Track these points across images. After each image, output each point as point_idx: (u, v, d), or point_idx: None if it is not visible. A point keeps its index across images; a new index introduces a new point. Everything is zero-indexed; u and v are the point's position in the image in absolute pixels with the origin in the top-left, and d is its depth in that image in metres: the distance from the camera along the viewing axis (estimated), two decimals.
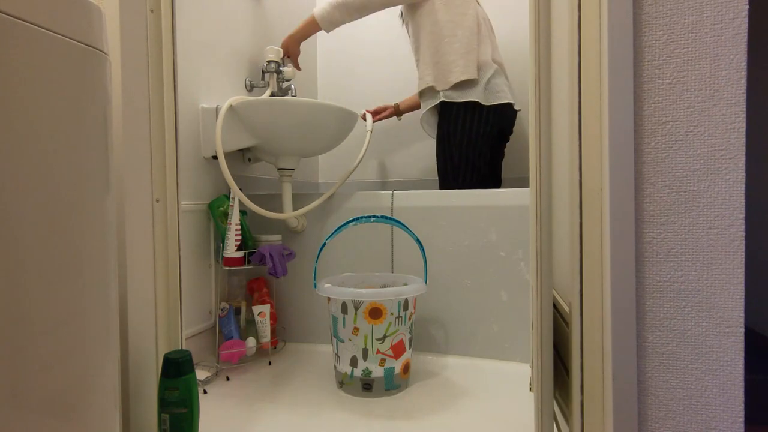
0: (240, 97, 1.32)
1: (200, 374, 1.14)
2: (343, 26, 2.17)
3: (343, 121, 1.43)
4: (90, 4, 0.58)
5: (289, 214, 1.38)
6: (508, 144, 1.94)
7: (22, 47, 0.48)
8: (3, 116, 0.46)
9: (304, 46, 2.06)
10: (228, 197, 1.29)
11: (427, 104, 1.61)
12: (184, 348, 0.90)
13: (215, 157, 1.36)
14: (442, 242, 1.36)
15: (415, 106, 1.90)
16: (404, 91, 2.08)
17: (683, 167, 0.55)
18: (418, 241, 1.21)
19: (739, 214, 0.54)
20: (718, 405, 0.55)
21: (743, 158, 0.54)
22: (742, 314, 0.54)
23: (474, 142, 1.54)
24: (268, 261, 1.29)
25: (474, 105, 1.53)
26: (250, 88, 1.58)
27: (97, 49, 0.58)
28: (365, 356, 1.10)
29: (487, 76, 1.55)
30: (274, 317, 1.36)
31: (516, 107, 1.63)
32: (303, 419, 0.98)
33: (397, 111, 1.93)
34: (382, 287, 1.28)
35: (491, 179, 1.62)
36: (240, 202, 1.26)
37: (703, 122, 0.55)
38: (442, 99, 1.55)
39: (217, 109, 1.33)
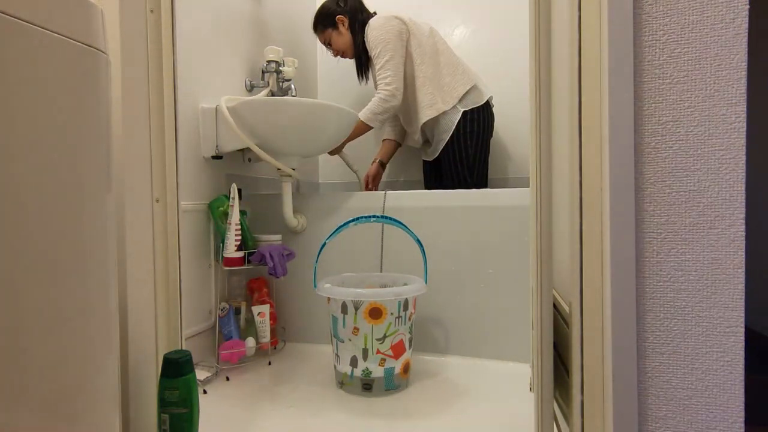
0: (231, 96, 1.33)
1: (200, 374, 1.14)
2: None
3: (343, 120, 1.43)
4: (90, 4, 0.58)
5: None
6: (509, 144, 1.97)
7: (22, 47, 0.48)
8: (3, 116, 0.46)
9: (303, 45, 2.06)
10: (228, 197, 1.29)
11: (445, 128, 1.71)
12: (184, 348, 0.90)
13: (215, 157, 1.36)
14: (442, 242, 1.36)
15: (393, 152, 1.99)
16: None
17: (683, 167, 0.55)
18: (418, 241, 1.21)
19: (739, 214, 0.54)
20: (718, 405, 0.55)
21: (743, 158, 0.54)
22: (742, 314, 0.54)
23: (483, 141, 1.72)
24: (268, 261, 1.29)
25: (479, 108, 1.69)
26: (250, 88, 1.58)
27: (97, 49, 0.58)
28: (365, 356, 1.10)
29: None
30: (274, 317, 1.36)
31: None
32: (303, 419, 0.98)
33: (383, 165, 1.98)
34: (382, 287, 1.28)
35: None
36: (239, 203, 1.26)
37: (703, 122, 0.55)
38: (462, 110, 1.68)
39: (216, 109, 1.33)
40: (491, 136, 1.76)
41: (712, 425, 0.55)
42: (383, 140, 1.96)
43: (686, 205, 0.55)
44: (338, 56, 1.81)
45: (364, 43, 1.70)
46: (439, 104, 1.69)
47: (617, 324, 0.56)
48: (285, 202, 1.43)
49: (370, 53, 1.70)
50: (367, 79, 1.84)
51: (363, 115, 1.63)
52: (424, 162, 1.90)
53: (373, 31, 1.66)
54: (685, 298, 0.56)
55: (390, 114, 1.67)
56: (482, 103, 1.70)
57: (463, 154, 1.70)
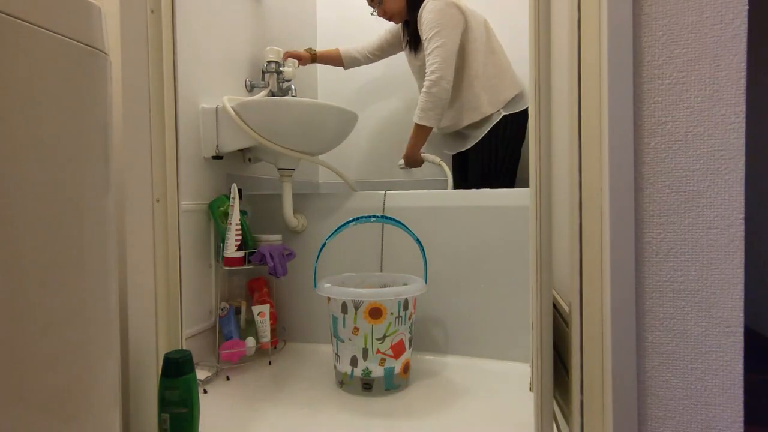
0: (232, 96, 1.32)
1: (200, 374, 1.14)
2: (343, 27, 2.18)
3: (343, 121, 1.43)
4: (90, 4, 0.58)
5: None
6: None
7: (22, 47, 0.48)
8: (3, 116, 0.46)
9: (303, 45, 2.06)
10: (228, 197, 1.29)
11: (482, 128, 1.68)
12: (184, 348, 0.90)
13: (215, 157, 1.36)
14: (442, 242, 1.36)
15: (334, 61, 1.89)
16: (402, 90, 2.08)
17: (683, 167, 0.55)
18: (418, 241, 1.21)
19: (739, 214, 0.54)
20: (717, 405, 0.55)
21: (743, 158, 0.54)
22: (742, 314, 0.54)
23: (515, 147, 1.70)
24: (269, 261, 1.29)
25: (518, 114, 1.67)
26: (250, 88, 1.58)
27: (97, 49, 0.58)
28: (365, 356, 1.10)
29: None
30: (274, 317, 1.36)
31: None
32: (303, 419, 0.98)
33: (314, 59, 1.85)
34: (382, 287, 1.28)
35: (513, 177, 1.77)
36: (240, 203, 1.26)
37: (703, 122, 0.55)
38: (504, 114, 1.65)
39: (217, 110, 1.33)
40: (523, 141, 1.72)
41: (711, 425, 0.55)
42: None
43: (685, 206, 0.55)
44: (381, 16, 1.71)
45: (416, 21, 1.62)
46: (484, 107, 1.64)
47: (617, 324, 0.56)
48: (285, 202, 1.43)
49: (421, 35, 1.60)
50: (416, 52, 1.72)
51: (416, 117, 1.58)
52: (453, 156, 1.86)
53: (428, 14, 1.56)
54: (685, 298, 0.56)
55: (442, 105, 1.56)
56: (523, 108, 1.66)
57: (493, 156, 1.66)
